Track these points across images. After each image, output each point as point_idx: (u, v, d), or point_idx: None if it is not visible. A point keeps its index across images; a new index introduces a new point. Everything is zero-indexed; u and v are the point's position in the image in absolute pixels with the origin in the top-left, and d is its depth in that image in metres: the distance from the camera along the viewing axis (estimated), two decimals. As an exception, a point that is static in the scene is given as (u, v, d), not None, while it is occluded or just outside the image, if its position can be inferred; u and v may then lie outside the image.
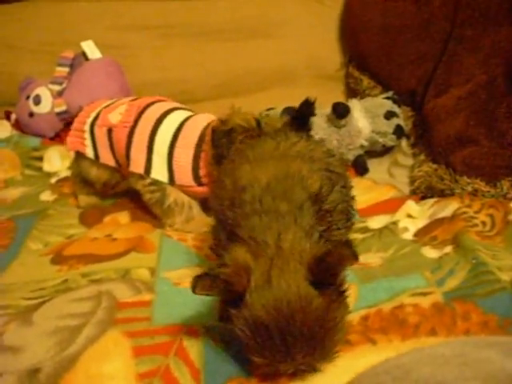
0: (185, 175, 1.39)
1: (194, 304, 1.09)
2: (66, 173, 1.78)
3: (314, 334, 0.83)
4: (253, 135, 1.27)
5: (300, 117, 1.29)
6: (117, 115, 1.46)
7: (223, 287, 0.85)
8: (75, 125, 1.54)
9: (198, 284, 0.84)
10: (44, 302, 1.11)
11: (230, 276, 0.85)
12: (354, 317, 1.01)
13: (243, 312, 0.84)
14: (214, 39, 2.07)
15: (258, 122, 1.29)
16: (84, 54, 1.97)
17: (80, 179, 1.56)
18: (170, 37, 2.08)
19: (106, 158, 1.49)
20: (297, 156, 1.07)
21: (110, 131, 1.46)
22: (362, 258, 1.21)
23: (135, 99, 1.52)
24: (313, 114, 1.31)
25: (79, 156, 1.53)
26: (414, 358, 0.74)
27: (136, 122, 1.43)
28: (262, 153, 1.11)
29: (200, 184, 1.39)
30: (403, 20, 1.74)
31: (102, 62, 1.96)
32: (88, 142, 1.49)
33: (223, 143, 1.29)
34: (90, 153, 1.50)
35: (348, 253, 0.85)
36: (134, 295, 1.12)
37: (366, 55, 1.88)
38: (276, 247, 0.88)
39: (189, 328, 1.01)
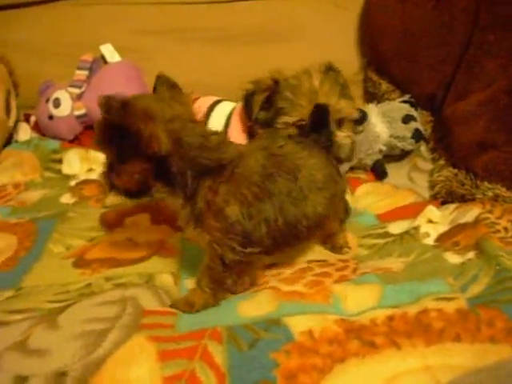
0: None
1: (217, 308, 1.11)
2: (85, 175, 1.79)
3: None
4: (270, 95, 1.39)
5: (314, 126, 1.28)
6: None
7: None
8: None
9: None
10: (68, 306, 1.12)
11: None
12: (378, 315, 1.03)
13: None
14: (232, 43, 2.07)
15: (277, 82, 1.39)
16: (103, 58, 1.98)
17: None
18: (187, 41, 2.08)
19: None
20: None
21: None
22: (384, 263, 1.24)
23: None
24: (326, 124, 1.28)
25: None
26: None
27: None
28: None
29: None
30: (423, 24, 1.73)
31: (121, 66, 1.96)
32: None
33: (248, 104, 1.44)
34: None
35: None
36: (159, 305, 1.12)
37: (384, 59, 1.88)
38: None
39: (213, 332, 1.01)
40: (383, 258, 1.29)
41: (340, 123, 1.40)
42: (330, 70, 1.42)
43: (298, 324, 1.02)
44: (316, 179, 1.13)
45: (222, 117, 1.58)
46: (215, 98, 1.65)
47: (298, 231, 1.12)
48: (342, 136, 1.38)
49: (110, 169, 1.08)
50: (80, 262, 1.32)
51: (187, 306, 1.11)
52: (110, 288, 1.18)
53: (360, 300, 1.10)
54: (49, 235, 1.44)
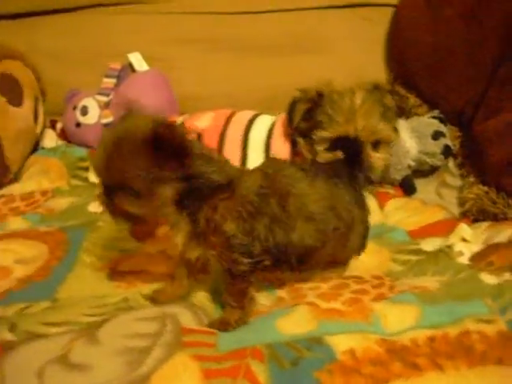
0: None
1: (258, 326, 1.11)
2: (112, 184, 1.78)
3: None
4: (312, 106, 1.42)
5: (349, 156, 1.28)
6: (205, 121, 1.60)
7: None
8: None
9: None
10: (107, 320, 1.11)
11: None
12: (419, 335, 1.03)
13: None
14: (260, 54, 2.08)
15: (321, 94, 1.42)
16: (131, 66, 1.98)
17: None
18: (215, 51, 2.09)
19: None
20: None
21: (199, 137, 1.53)
22: (420, 281, 1.23)
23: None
24: (359, 154, 1.28)
25: None
26: None
27: (226, 124, 1.58)
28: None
29: None
30: (454, 40, 1.73)
31: (149, 74, 1.96)
32: None
33: (291, 111, 1.47)
34: None
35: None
36: (197, 323, 1.12)
37: (413, 74, 1.88)
38: None
39: (254, 350, 1.01)
40: (417, 275, 1.28)
41: (376, 145, 1.41)
42: (376, 89, 1.42)
43: (340, 343, 1.02)
44: (306, 209, 1.12)
45: (264, 129, 1.59)
46: (253, 112, 1.66)
47: (289, 256, 1.13)
48: (376, 157, 1.38)
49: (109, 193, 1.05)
50: (114, 274, 1.31)
51: (223, 325, 1.11)
52: (148, 304, 1.19)
53: (399, 319, 1.10)
54: (80, 245, 1.44)
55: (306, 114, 1.45)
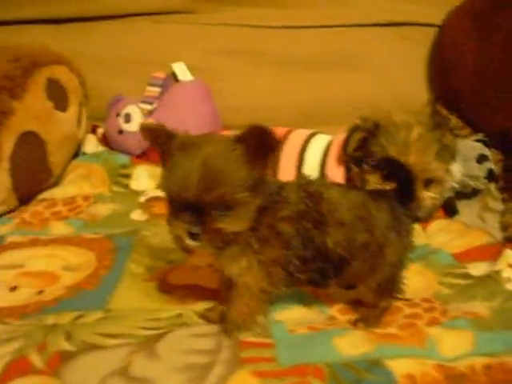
0: None
1: (315, 343, 1.11)
2: (154, 192, 1.79)
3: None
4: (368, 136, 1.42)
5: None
6: None
7: None
8: None
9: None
10: (163, 334, 1.12)
11: None
12: (475, 363, 1.04)
13: None
14: (303, 69, 2.10)
15: (377, 125, 1.41)
16: (174, 75, 2.00)
17: None
18: (259, 64, 2.11)
19: None
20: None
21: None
22: (470, 307, 1.24)
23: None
24: (411, 187, 1.22)
25: None
26: None
27: (284, 140, 1.61)
28: None
29: None
30: (500, 64, 1.73)
31: (193, 85, 1.98)
32: None
33: (347, 138, 1.48)
34: None
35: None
36: (254, 336, 1.13)
37: (455, 95, 1.89)
38: None
39: (315, 369, 1.02)
40: (466, 300, 1.29)
41: (427, 183, 1.39)
42: (437, 127, 1.40)
43: (399, 367, 1.03)
44: (337, 214, 1.11)
45: (318, 151, 1.60)
46: (309, 131, 1.68)
47: (326, 263, 1.12)
48: (426, 196, 1.37)
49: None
50: (164, 286, 1.32)
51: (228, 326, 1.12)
52: (202, 322, 1.19)
53: (454, 345, 1.10)
54: (127, 254, 1.45)
55: (361, 143, 1.45)
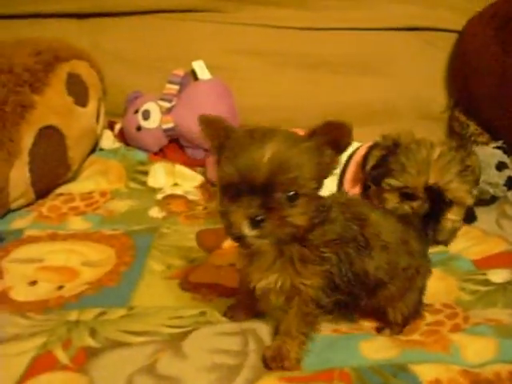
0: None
1: (340, 347, 1.11)
2: (170, 190, 1.80)
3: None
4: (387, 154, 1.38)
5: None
6: None
7: None
8: None
9: None
10: (188, 333, 1.12)
11: None
12: (501, 369, 1.04)
13: None
14: (325, 71, 2.10)
15: (397, 144, 1.37)
16: (193, 74, 2.00)
17: None
18: (281, 64, 2.11)
19: None
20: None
21: None
22: (492, 314, 1.24)
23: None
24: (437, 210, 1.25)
25: None
26: None
27: None
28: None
29: None
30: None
31: (212, 83, 1.98)
32: None
33: (366, 155, 1.44)
34: None
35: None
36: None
37: (476, 101, 1.89)
38: None
39: (342, 374, 1.02)
40: (487, 307, 1.29)
41: (448, 205, 1.34)
42: (460, 147, 1.37)
43: (425, 372, 1.03)
44: (381, 237, 1.09)
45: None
46: None
47: (362, 288, 1.10)
48: (446, 218, 1.34)
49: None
50: (186, 284, 1.32)
51: (279, 361, 1.04)
52: (225, 320, 1.19)
53: (478, 352, 1.10)
54: (147, 251, 1.45)
55: (379, 161, 1.41)
